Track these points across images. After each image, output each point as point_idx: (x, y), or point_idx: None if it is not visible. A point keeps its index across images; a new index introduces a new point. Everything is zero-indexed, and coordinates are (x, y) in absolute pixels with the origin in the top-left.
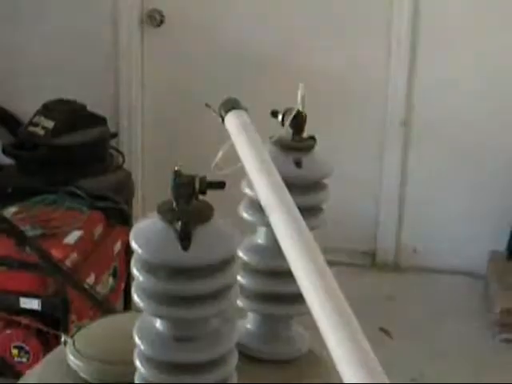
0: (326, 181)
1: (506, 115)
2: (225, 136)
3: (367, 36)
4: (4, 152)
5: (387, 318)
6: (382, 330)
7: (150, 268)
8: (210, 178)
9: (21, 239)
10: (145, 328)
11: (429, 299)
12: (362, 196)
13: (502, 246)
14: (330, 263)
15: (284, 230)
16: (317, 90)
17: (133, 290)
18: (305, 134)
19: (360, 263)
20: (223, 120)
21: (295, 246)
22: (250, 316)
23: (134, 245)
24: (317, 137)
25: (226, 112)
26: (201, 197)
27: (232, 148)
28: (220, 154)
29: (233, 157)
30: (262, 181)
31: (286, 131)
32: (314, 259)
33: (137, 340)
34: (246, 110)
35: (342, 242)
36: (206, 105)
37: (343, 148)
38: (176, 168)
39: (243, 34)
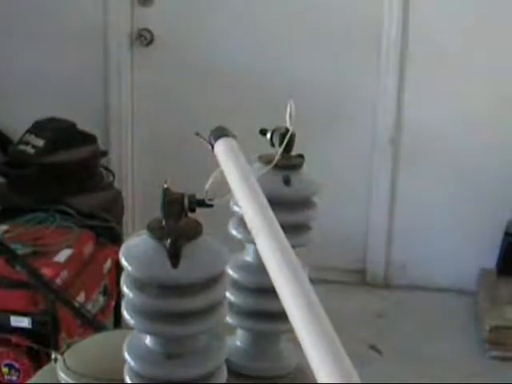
0: (314, 199)
1: (494, 132)
2: (214, 155)
3: (356, 53)
4: None
5: (377, 335)
6: (371, 347)
7: (139, 285)
8: (199, 196)
9: (11, 257)
10: (134, 345)
11: (418, 316)
12: (352, 214)
13: (492, 264)
14: (320, 281)
15: (269, 253)
16: (305, 108)
17: (122, 306)
18: (293, 152)
19: (350, 281)
20: (213, 147)
21: (280, 270)
22: (239, 333)
23: (123, 262)
24: (305, 154)
25: (216, 140)
26: (190, 214)
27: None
28: (210, 181)
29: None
30: (248, 204)
31: (276, 150)
32: (299, 280)
33: (126, 357)
34: (235, 137)
35: (332, 259)
36: (197, 134)
37: (332, 166)
38: (165, 186)
39: (232, 53)
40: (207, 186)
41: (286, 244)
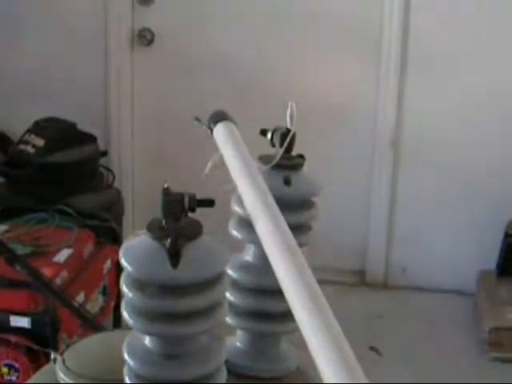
0: (314, 199)
1: (494, 135)
2: (214, 153)
3: (356, 55)
4: None
5: (376, 336)
6: (371, 348)
7: (139, 285)
8: (199, 195)
9: (11, 257)
10: (134, 345)
11: (418, 318)
12: (352, 215)
13: (492, 265)
14: (320, 282)
15: (269, 235)
16: (306, 109)
17: (122, 307)
18: (294, 153)
19: (349, 282)
20: (212, 132)
21: (279, 252)
22: (239, 333)
23: (123, 262)
24: (306, 155)
25: (215, 124)
26: (190, 214)
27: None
28: (209, 164)
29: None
30: (247, 188)
31: (276, 150)
32: (296, 262)
33: (126, 357)
34: (234, 122)
35: (331, 260)
36: (196, 119)
37: (333, 167)
38: (165, 186)
39: (232, 52)
40: (206, 170)
41: (285, 227)
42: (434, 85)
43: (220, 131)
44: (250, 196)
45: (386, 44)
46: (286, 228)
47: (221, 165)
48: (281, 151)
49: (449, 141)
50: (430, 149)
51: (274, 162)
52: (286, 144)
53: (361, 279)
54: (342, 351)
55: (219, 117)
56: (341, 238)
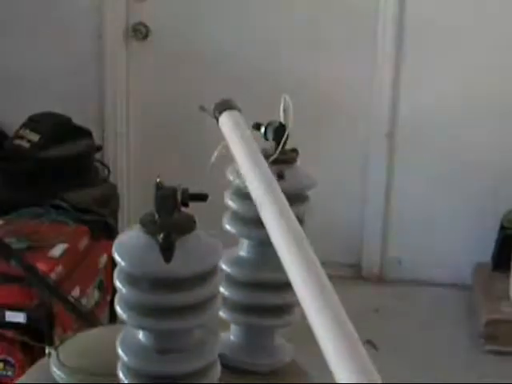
0: (309, 193)
1: (491, 126)
2: (211, 149)
3: (352, 49)
4: None
5: (373, 330)
6: (367, 342)
7: (132, 280)
8: (192, 190)
9: (6, 252)
10: (128, 340)
11: (414, 311)
12: (347, 209)
13: (487, 258)
14: None
15: (275, 222)
16: (302, 102)
17: (116, 301)
18: (288, 147)
19: (345, 276)
20: (217, 120)
21: (284, 238)
22: (233, 327)
23: (116, 257)
24: (300, 148)
25: (220, 113)
26: (184, 209)
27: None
28: (215, 154)
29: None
30: (253, 176)
31: (270, 145)
32: (303, 248)
33: (120, 352)
34: (239, 110)
35: (327, 254)
36: (201, 107)
37: (327, 160)
38: (157, 180)
39: (229, 47)
40: (213, 159)
41: (290, 215)
42: (430, 76)
43: (225, 120)
44: (256, 184)
45: (381, 34)
46: (292, 216)
47: (226, 153)
48: (279, 148)
49: (444, 133)
50: (425, 141)
51: (272, 159)
52: (283, 141)
53: (356, 273)
54: (355, 351)
55: (225, 105)
56: (336, 231)
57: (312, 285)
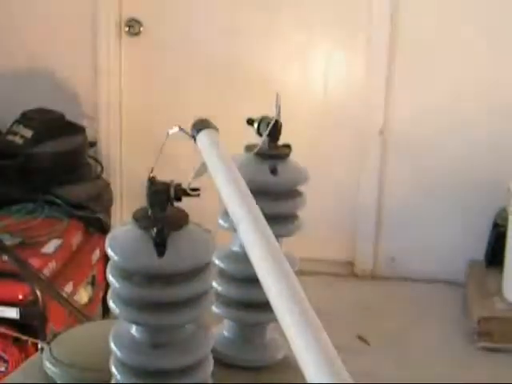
0: (301, 188)
1: (481, 125)
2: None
3: (346, 48)
4: None
5: (365, 326)
6: (359, 337)
7: (125, 274)
8: (185, 185)
9: None
10: (120, 334)
11: (407, 308)
12: (340, 206)
13: (480, 255)
14: (309, 272)
15: (251, 240)
16: (296, 101)
17: (108, 296)
18: (281, 142)
19: (338, 272)
20: (195, 140)
21: (262, 256)
22: (226, 323)
23: (109, 251)
24: (294, 144)
25: (198, 132)
26: (177, 204)
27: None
28: (193, 174)
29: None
30: (230, 194)
31: (263, 140)
32: (280, 265)
33: (113, 346)
34: (216, 129)
35: (320, 251)
36: (180, 128)
37: (320, 157)
38: (150, 175)
39: (221, 45)
40: (190, 179)
41: (268, 231)
42: (423, 74)
43: (203, 139)
44: (233, 202)
45: (375, 33)
46: (269, 232)
47: (204, 172)
48: (264, 137)
49: (437, 130)
50: (418, 138)
51: (257, 149)
52: (268, 130)
53: (350, 270)
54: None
55: (202, 125)
56: (329, 228)
57: (287, 294)
